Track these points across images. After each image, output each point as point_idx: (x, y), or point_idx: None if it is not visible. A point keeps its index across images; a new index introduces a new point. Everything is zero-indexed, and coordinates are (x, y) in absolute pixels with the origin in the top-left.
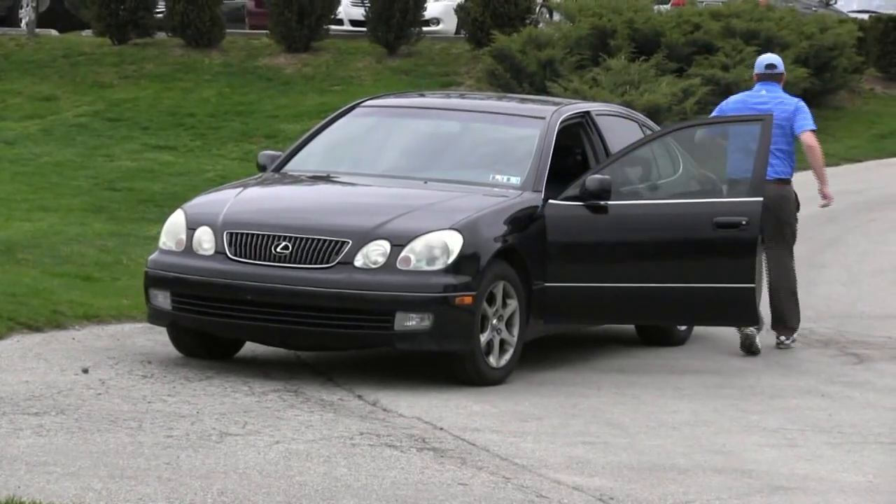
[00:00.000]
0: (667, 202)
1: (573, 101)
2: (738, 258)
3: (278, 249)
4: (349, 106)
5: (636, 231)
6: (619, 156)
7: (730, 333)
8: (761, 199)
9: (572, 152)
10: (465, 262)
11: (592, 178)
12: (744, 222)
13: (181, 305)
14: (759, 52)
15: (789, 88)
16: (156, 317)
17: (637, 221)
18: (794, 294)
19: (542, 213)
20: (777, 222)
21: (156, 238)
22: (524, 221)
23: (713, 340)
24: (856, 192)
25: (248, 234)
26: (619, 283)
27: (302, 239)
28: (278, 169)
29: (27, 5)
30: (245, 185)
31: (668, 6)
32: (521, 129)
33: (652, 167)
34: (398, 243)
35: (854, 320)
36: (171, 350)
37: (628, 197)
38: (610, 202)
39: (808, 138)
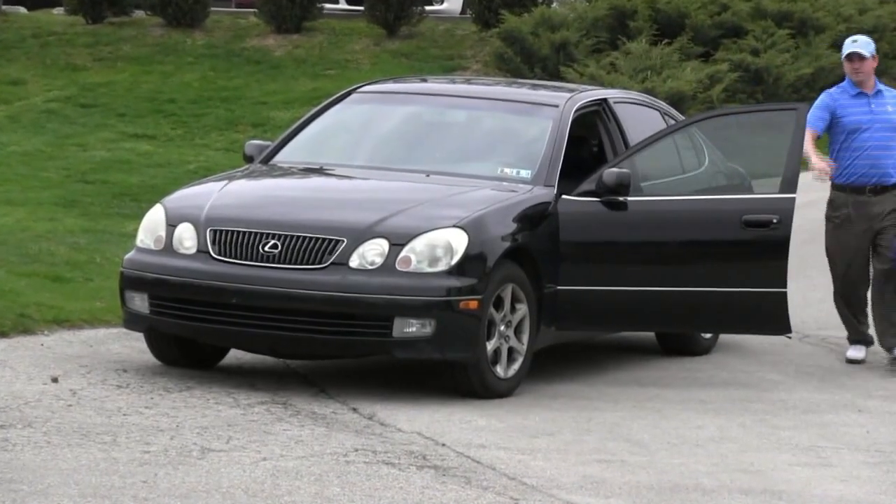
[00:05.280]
0: (691, 198)
1: (589, 87)
2: (768, 260)
3: (266, 248)
4: (344, 92)
5: (657, 230)
6: (639, 148)
7: (759, 342)
8: (794, 195)
9: (588, 143)
10: (470, 263)
11: (610, 172)
12: (775, 220)
13: (160, 309)
14: (792, 36)
15: (825, 76)
16: (132, 321)
17: (658, 219)
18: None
19: (555, 210)
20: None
21: (132, 235)
22: (535, 219)
23: (741, 350)
24: None
25: (233, 232)
26: (637, 286)
27: (292, 237)
28: (267, 160)
29: None
30: (230, 178)
31: None
32: (532, 118)
33: (675, 160)
34: (397, 242)
35: None
36: (148, 358)
37: (649, 192)
38: (629, 198)
39: None
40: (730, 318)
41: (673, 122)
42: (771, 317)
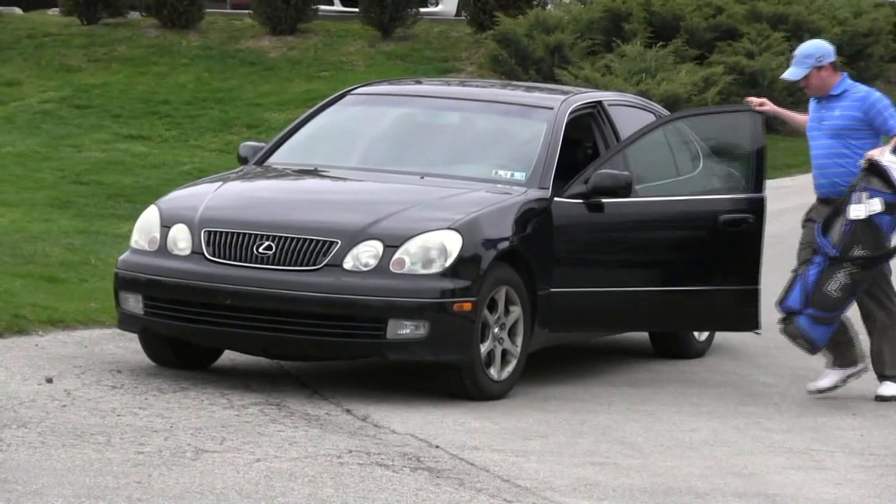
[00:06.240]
0: (669, 199)
1: (584, 90)
2: (741, 258)
3: (260, 250)
4: (339, 94)
5: (639, 230)
6: (624, 147)
7: (752, 345)
8: (764, 195)
9: (582, 146)
10: (464, 265)
11: (600, 174)
12: (750, 220)
13: (154, 310)
14: (787, 39)
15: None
16: (126, 322)
17: (639, 220)
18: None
19: (549, 212)
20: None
21: (127, 236)
22: (529, 221)
23: (734, 353)
24: None
25: (227, 233)
26: (628, 288)
27: (286, 238)
28: (261, 162)
29: None
30: (225, 180)
31: None
32: (526, 121)
33: (666, 163)
34: (391, 244)
35: None
36: (142, 358)
37: (635, 194)
38: (609, 200)
39: None
40: (702, 316)
41: None
42: (741, 314)
